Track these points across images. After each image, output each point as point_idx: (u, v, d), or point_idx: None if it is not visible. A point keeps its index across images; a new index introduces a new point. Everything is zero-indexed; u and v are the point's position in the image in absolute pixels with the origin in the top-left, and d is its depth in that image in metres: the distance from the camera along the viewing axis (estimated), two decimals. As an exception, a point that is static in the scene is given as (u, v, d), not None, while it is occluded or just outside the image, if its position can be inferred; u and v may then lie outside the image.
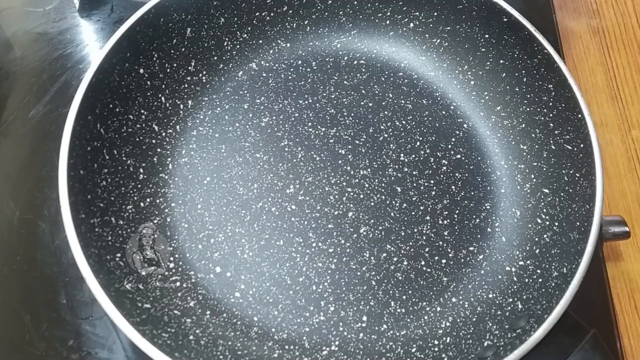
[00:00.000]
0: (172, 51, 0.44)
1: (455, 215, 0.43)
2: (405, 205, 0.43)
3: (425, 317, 0.39)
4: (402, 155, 0.45)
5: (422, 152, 0.45)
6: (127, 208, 0.40)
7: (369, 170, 0.44)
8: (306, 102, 0.47)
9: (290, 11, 0.48)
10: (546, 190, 0.42)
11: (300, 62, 0.49)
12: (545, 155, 0.43)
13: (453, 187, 0.44)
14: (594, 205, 0.37)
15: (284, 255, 0.41)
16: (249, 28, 0.47)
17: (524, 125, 0.44)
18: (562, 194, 0.40)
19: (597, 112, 0.52)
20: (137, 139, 0.42)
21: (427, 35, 0.48)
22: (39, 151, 0.45)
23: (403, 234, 0.42)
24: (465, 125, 0.46)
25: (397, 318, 0.39)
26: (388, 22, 0.49)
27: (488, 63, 0.46)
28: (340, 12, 0.49)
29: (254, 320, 0.38)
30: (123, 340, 0.39)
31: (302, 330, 0.38)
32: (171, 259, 0.40)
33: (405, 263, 0.41)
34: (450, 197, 0.43)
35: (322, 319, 0.39)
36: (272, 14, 0.48)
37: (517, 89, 0.45)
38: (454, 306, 0.39)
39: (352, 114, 0.46)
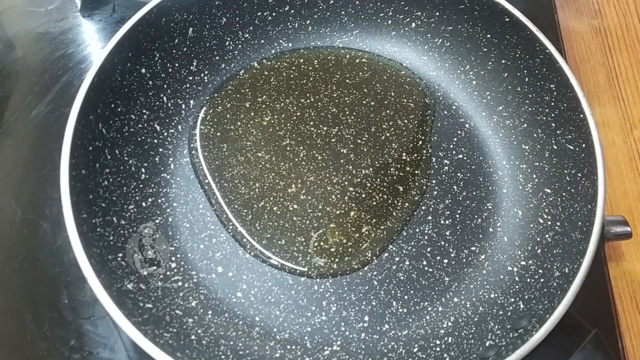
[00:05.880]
0: (174, 51, 0.44)
1: (457, 215, 0.43)
2: (407, 204, 0.43)
3: (427, 317, 0.39)
4: (404, 154, 0.45)
5: (424, 152, 0.45)
6: (129, 208, 0.40)
7: (370, 169, 0.44)
8: (308, 100, 0.47)
9: (292, 11, 0.48)
10: (548, 190, 0.42)
11: (302, 60, 0.49)
12: (547, 155, 0.43)
13: (455, 186, 0.44)
14: (596, 205, 0.37)
15: (285, 254, 0.41)
16: (251, 28, 0.47)
17: (525, 125, 0.44)
18: (564, 194, 0.40)
19: (599, 112, 0.52)
20: (139, 139, 0.42)
21: (428, 35, 0.48)
22: (40, 151, 0.45)
23: (405, 233, 0.42)
24: (467, 125, 0.46)
25: (399, 318, 0.39)
26: (390, 22, 0.49)
27: (490, 63, 0.46)
28: (342, 12, 0.49)
29: (255, 320, 0.38)
30: (125, 340, 0.39)
31: (304, 330, 0.38)
32: (173, 258, 0.40)
33: (407, 263, 0.41)
34: (452, 197, 0.43)
35: (324, 318, 0.39)
36: (274, 14, 0.48)
37: (519, 89, 0.45)
38: (456, 306, 0.39)
39: (354, 113, 0.46)
